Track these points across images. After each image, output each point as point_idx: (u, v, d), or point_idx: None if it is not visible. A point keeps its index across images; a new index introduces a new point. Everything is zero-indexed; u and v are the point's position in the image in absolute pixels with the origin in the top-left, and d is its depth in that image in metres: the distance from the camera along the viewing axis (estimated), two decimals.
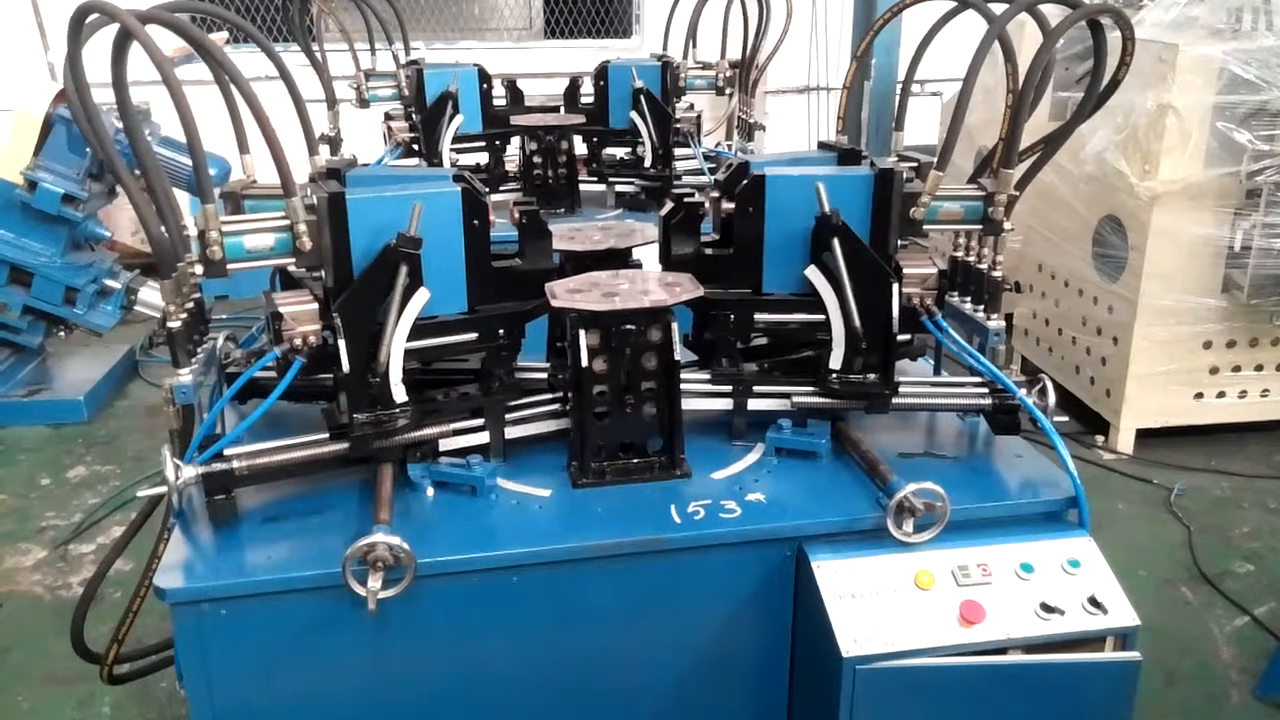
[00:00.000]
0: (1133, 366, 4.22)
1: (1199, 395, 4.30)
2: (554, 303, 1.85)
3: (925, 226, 2.00)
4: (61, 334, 4.75)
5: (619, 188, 4.18)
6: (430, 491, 1.92)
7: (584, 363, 1.87)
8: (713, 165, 4.48)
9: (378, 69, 4.41)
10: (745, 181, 1.98)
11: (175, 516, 1.79)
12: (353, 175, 2.02)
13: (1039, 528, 1.88)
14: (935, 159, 2.04)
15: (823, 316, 2.00)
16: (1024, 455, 2.06)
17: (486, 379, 2.00)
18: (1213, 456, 4.30)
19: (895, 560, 1.79)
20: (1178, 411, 4.31)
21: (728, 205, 2.02)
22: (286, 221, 1.76)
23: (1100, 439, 4.44)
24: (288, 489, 1.90)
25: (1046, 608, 1.73)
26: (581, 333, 1.86)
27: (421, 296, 1.82)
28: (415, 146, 4.11)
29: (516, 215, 1.99)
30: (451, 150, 4.01)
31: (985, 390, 2.07)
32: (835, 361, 2.01)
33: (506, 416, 2.02)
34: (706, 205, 2.02)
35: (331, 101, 4.01)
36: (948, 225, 2.04)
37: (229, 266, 1.77)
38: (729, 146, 4.70)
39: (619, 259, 2.14)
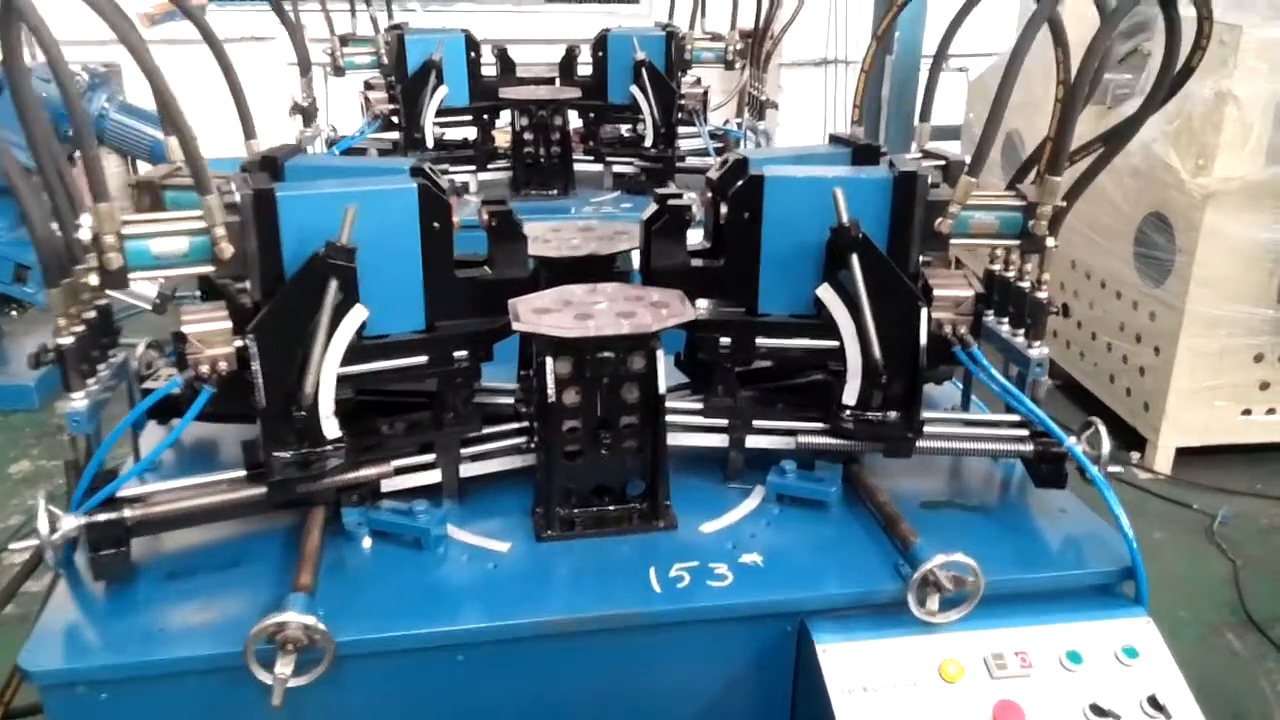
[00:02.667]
0: (1175, 379, 3.93)
1: (1246, 412, 4.02)
2: (516, 326, 1.59)
3: (952, 240, 1.73)
4: (13, 313, 4.50)
5: (617, 168, 3.92)
6: (367, 542, 1.66)
7: (550, 396, 1.60)
8: (720, 144, 4.22)
9: (358, 33, 4.13)
10: (740, 182, 1.70)
11: (61, 569, 1.54)
12: (294, 165, 1.77)
13: (1088, 604, 1.62)
14: (967, 160, 1.77)
15: (833, 343, 1.73)
16: (1068, 509, 1.80)
17: (440, 408, 1.74)
18: (1259, 479, 4.03)
19: (916, 644, 1.54)
20: (1223, 429, 4.04)
21: (720, 209, 1.75)
22: (205, 223, 1.50)
23: (1135, 456, 4.16)
24: (202, 534, 1.65)
25: (1098, 710, 1.47)
26: (549, 360, 1.60)
27: (356, 316, 1.56)
28: (395, 119, 3.84)
29: (485, 217, 1.72)
30: (435, 124, 3.74)
31: (1025, 433, 1.81)
32: (850, 396, 1.75)
33: (463, 451, 1.77)
34: (694, 209, 1.75)
35: (305, 67, 3.73)
36: (980, 240, 1.77)
37: (132, 276, 1.51)
38: (738, 125, 4.41)
39: (602, 267, 1.87)
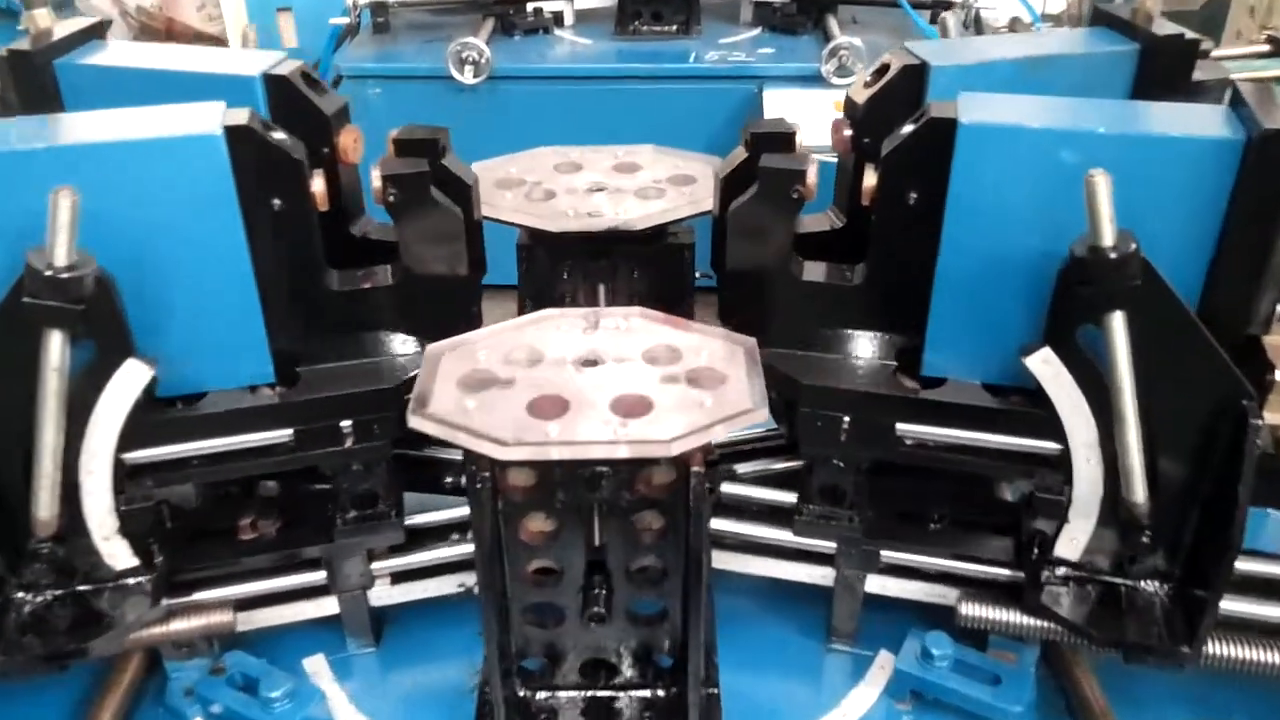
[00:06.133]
0: None
1: None
2: (414, 421, 0.84)
3: None
4: None
5: None
6: None
7: (487, 533, 0.88)
8: None
9: None
10: (912, 128, 0.87)
11: None
12: (74, 67, 1.06)
13: None
14: None
15: (1049, 446, 0.93)
16: None
17: (335, 504, 1.05)
18: None
19: None
20: None
21: (866, 173, 0.93)
22: None
23: None
24: None
25: None
26: (484, 479, 0.86)
27: (131, 377, 0.87)
28: None
29: (379, 187, 0.95)
30: None
31: None
32: (1070, 546, 0.96)
33: (377, 566, 1.09)
34: (810, 176, 0.93)
35: None
36: None
37: None
38: None
39: (640, 248, 1.09)
